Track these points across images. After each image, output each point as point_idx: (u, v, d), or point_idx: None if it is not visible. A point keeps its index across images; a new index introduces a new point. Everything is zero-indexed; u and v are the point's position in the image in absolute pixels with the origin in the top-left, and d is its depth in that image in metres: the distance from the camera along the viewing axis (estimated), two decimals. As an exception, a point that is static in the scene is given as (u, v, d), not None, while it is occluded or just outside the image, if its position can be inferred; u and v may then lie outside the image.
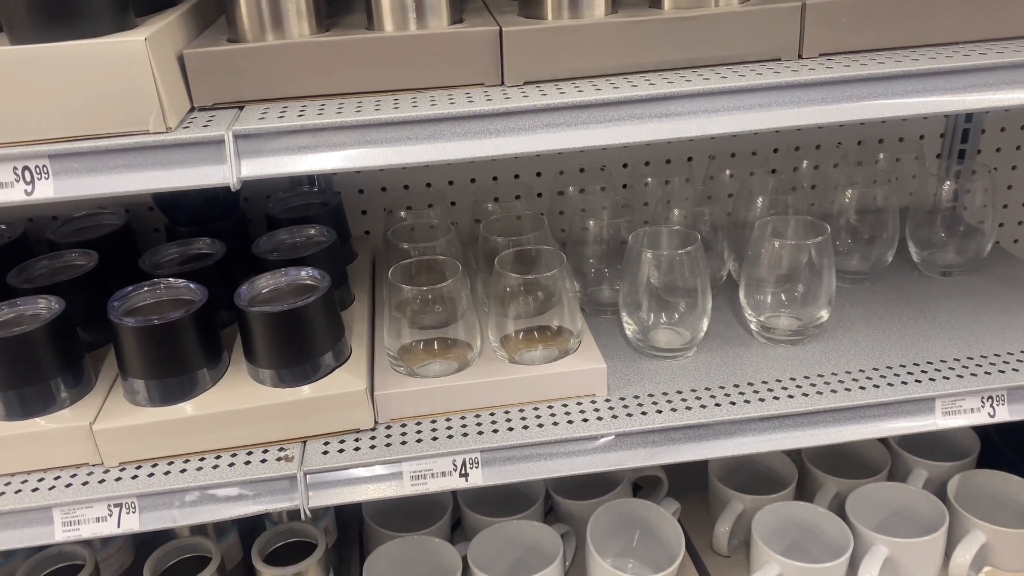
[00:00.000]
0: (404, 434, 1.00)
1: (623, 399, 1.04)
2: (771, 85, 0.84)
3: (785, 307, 1.13)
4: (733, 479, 1.37)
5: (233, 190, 0.79)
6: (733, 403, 1.02)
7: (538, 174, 1.40)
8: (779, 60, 0.90)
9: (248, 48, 0.85)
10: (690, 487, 1.42)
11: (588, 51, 0.87)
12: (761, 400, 1.02)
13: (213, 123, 0.81)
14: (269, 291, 1.03)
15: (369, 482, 0.98)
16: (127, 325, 0.95)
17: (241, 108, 0.85)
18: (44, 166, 0.78)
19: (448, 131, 0.81)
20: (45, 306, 1.01)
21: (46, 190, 0.78)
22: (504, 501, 1.35)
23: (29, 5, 0.77)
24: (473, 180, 1.39)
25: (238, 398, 0.99)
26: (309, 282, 1.03)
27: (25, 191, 0.78)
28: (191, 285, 1.02)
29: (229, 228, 1.22)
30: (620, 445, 0.99)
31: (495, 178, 1.39)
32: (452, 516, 1.35)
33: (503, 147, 0.82)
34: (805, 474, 1.38)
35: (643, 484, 1.44)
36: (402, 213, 1.27)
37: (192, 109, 0.85)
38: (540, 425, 1.00)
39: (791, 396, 1.02)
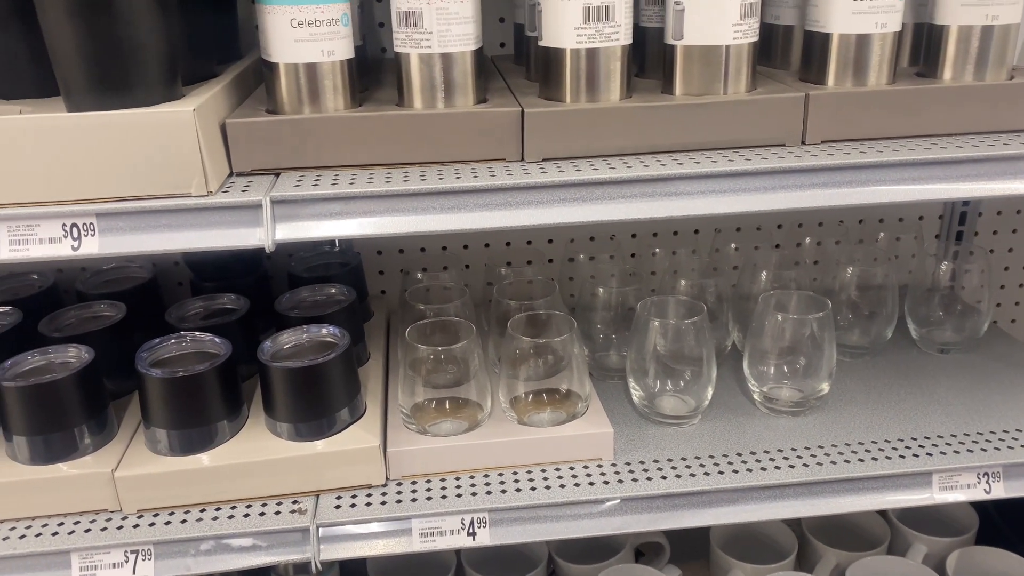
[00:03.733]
0: (414, 491, 1.03)
1: (628, 464, 1.07)
2: (775, 169, 0.89)
3: (787, 379, 1.16)
4: (734, 548, 1.38)
5: (268, 252, 0.84)
6: (736, 471, 1.04)
7: (550, 241, 1.45)
8: (783, 146, 0.96)
9: (286, 120, 0.90)
10: (692, 554, 1.43)
11: (603, 132, 0.93)
12: (763, 469, 1.05)
13: (251, 188, 0.86)
14: (291, 347, 1.07)
15: (379, 537, 1.00)
16: (154, 376, 0.99)
17: (277, 175, 0.91)
18: (91, 223, 0.83)
19: (471, 202, 0.87)
20: (75, 355, 1.05)
21: (92, 246, 0.83)
22: (507, 563, 1.37)
23: (87, 76, 0.83)
24: (487, 245, 1.44)
25: (256, 450, 1.02)
26: (329, 339, 1.07)
27: (72, 246, 0.83)
28: (216, 339, 1.06)
29: (252, 285, 1.26)
30: (625, 509, 1.02)
31: (508, 243, 1.44)
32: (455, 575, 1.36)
33: (522, 219, 0.87)
34: (805, 545, 1.39)
35: (645, 550, 1.45)
36: (418, 275, 1.31)
37: (231, 174, 0.91)
38: (547, 487, 1.03)
39: (792, 466, 1.05)
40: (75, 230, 0.83)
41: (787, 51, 1.11)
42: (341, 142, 0.91)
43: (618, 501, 1.01)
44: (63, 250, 0.83)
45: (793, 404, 1.17)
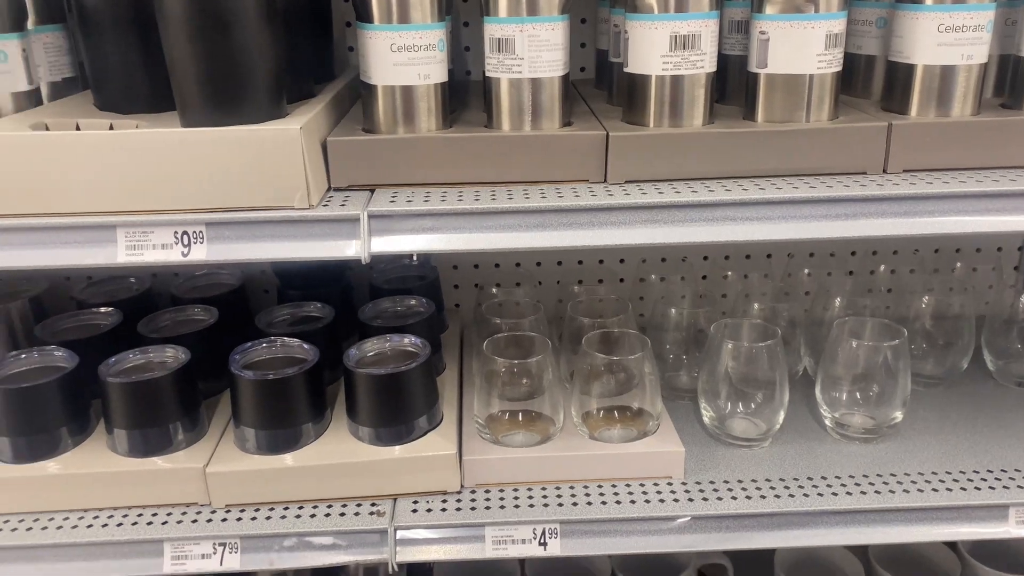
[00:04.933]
0: (488, 499, 1.06)
1: (699, 483, 1.08)
2: (857, 197, 0.90)
3: (860, 406, 1.16)
4: (799, 575, 1.37)
5: (363, 263, 0.88)
6: (806, 495, 1.05)
7: (621, 260, 1.47)
8: (864, 174, 0.97)
9: (382, 139, 0.95)
10: (755, 579, 1.43)
11: (686, 157, 0.95)
12: (834, 494, 1.05)
13: (349, 203, 0.91)
14: (374, 355, 1.12)
15: (453, 543, 1.03)
16: (246, 377, 1.04)
17: (372, 191, 0.95)
18: (201, 232, 0.89)
19: (555, 221, 0.90)
20: (172, 355, 1.11)
21: (200, 253, 0.89)
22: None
23: (203, 93, 0.89)
24: (559, 263, 1.47)
25: (338, 453, 1.06)
26: (411, 349, 1.12)
27: (182, 252, 0.89)
28: (304, 345, 1.11)
29: (335, 294, 1.31)
30: (695, 528, 1.03)
31: (580, 262, 1.47)
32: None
33: (604, 239, 0.90)
34: (871, 574, 1.38)
35: (707, 572, 1.45)
36: (493, 289, 1.35)
37: (329, 189, 0.96)
38: (618, 502, 1.05)
39: (863, 492, 1.05)
40: (185, 237, 0.89)
41: (868, 80, 1.12)
42: (433, 161, 0.96)
43: (688, 519, 1.03)
44: (174, 256, 0.89)
45: (865, 431, 1.16)
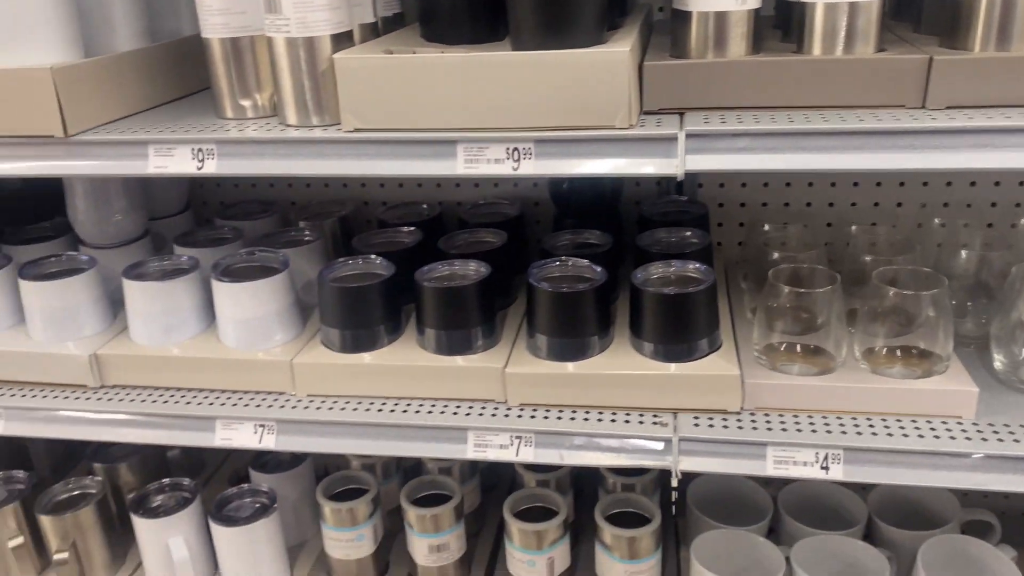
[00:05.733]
0: (768, 422, 1.09)
1: (992, 425, 1.05)
2: None
3: None
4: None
5: (678, 180, 0.93)
6: (1120, 446, 0.99)
7: (899, 204, 1.43)
8: None
9: (697, 63, 0.99)
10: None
11: (1016, 82, 0.92)
12: None
13: (663, 124, 0.96)
14: (658, 277, 1.17)
15: (734, 457, 1.07)
16: (545, 289, 1.13)
17: (681, 114, 1.00)
18: (530, 148, 0.97)
19: (875, 143, 0.90)
20: (474, 268, 1.22)
21: (528, 167, 0.98)
22: (824, 515, 1.39)
23: (536, 20, 0.97)
24: (831, 204, 1.45)
25: (623, 365, 1.14)
26: (694, 274, 1.16)
27: (512, 167, 0.98)
28: (592, 266, 1.19)
29: (608, 225, 1.38)
30: (989, 467, 1.01)
31: (853, 203, 1.44)
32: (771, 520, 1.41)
33: (925, 162, 0.90)
34: None
35: (969, 529, 1.40)
36: (765, 227, 1.36)
37: (641, 112, 1.01)
38: (905, 435, 1.04)
39: None
40: (516, 153, 0.98)
41: None
42: (743, 85, 0.99)
43: (982, 456, 1.01)
44: (505, 169, 0.98)
45: None
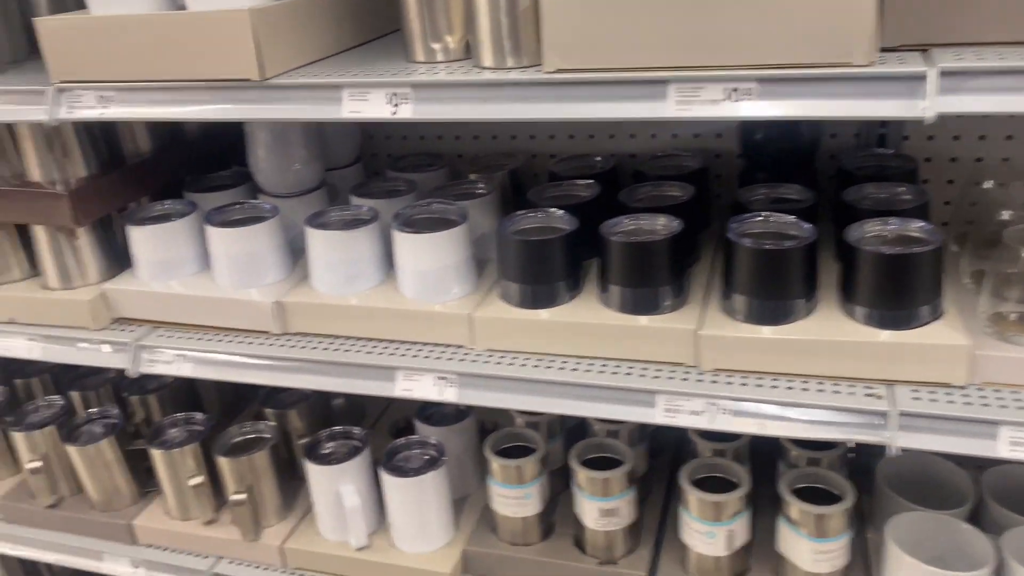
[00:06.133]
0: (1000, 398, 0.98)
1: None
2: None
3: None
4: None
5: (926, 123, 0.83)
6: None
7: None
8: None
9: (944, -7, 0.88)
10: None
11: None
12: None
13: (908, 61, 0.86)
14: (874, 235, 1.07)
15: (959, 435, 0.97)
16: (746, 246, 1.05)
17: (924, 51, 0.89)
18: (751, 88, 0.89)
19: None
20: (663, 223, 1.15)
21: (749, 109, 0.89)
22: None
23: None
24: (1060, 161, 1.29)
25: (832, 330, 1.04)
26: (917, 234, 1.05)
27: (731, 108, 0.90)
28: (799, 222, 1.09)
29: (803, 179, 1.28)
30: None
31: (1088, 161, 1.28)
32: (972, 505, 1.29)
33: None
34: None
35: None
36: (985, 184, 1.22)
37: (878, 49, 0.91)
38: None
39: None
40: (735, 94, 0.90)
41: None
42: (994, 18, 0.87)
43: None
44: (723, 111, 0.90)
45: None
